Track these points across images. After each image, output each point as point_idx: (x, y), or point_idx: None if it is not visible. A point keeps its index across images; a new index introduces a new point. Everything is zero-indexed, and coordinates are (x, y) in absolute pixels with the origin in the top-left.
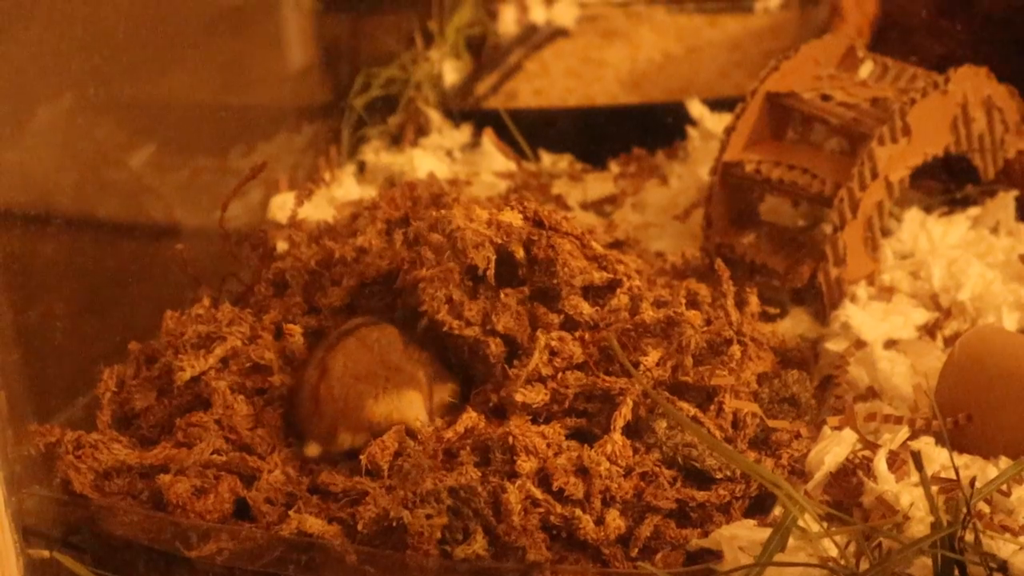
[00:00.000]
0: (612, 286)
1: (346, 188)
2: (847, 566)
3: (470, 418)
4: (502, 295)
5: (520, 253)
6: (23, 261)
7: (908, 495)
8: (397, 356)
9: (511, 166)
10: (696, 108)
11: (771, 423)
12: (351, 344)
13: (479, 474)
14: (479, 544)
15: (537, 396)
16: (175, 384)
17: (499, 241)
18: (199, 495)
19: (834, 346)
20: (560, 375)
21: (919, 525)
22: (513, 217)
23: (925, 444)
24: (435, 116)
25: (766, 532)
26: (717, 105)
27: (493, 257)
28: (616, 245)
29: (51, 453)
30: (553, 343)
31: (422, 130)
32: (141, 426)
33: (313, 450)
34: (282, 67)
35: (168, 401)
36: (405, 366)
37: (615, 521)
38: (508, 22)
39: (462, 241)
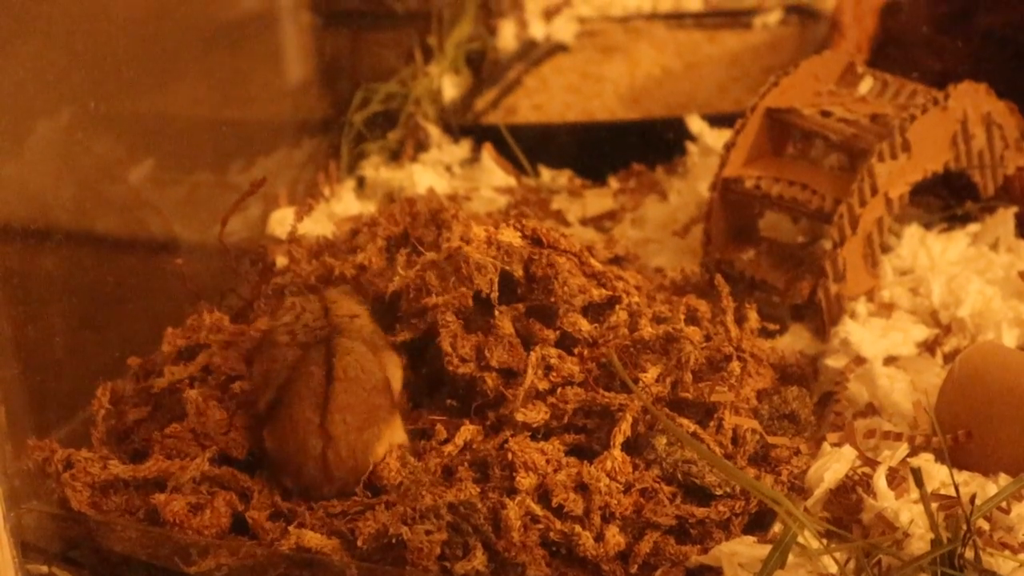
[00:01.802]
0: (611, 303)
1: (345, 203)
2: None
3: (468, 431)
4: (497, 313)
5: (519, 273)
6: (22, 276)
7: (908, 512)
8: (379, 377)
9: (510, 181)
10: (695, 124)
11: (771, 439)
12: (341, 391)
13: (478, 490)
14: (479, 560)
15: (538, 415)
16: (153, 391)
17: (499, 264)
18: (195, 511)
19: (834, 362)
20: (560, 390)
21: (919, 542)
22: (512, 236)
23: (925, 461)
24: (434, 131)
25: (766, 549)
26: (716, 121)
27: (496, 280)
28: (615, 261)
29: (44, 470)
30: (551, 360)
31: (421, 145)
32: (134, 440)
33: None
34: (282, 82)
35: (161, 414)
36: (386, 385)
37: (615, 537)
38: (507, 37)
39: (467, 266)
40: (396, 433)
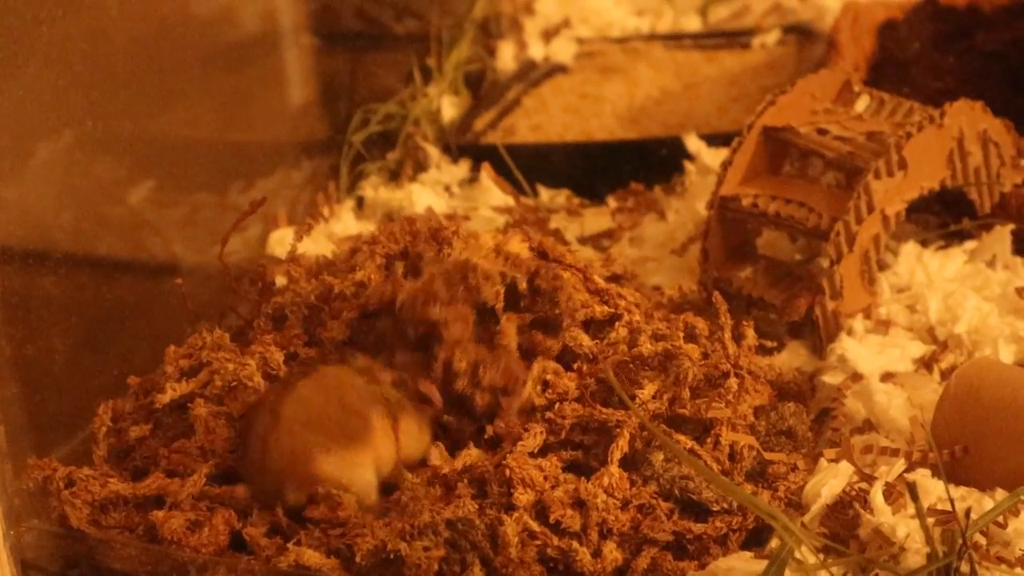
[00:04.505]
0: (612, 320)
1: (345, 223)
2: None
3: (471, 455)
4: (504, 319)
5: (523, 285)
6: (23, 296)
7: (904, 527)
8: (355, 398)
9: (509, 201)
10: (693, 143)
11: (768, 456)
12: (307, 387)
13: (476, 506)
14: None
15: (535, 442)
16: (155, 407)
17: (507, 273)
18: (194, 529)
19: (831, 379)
20: (557, 406)
21: (915, 557)
22: (520, 247)
23: (921, 476)
24: (433, 151)
25: (763, 564)
26: (714, 140)
27: (502, 290)
28: (614, 279)
29: (45, 489)
30: (547, 375)
31: (420, 165)
32: (135, 458)
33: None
34: (281, 103)
35: (162, 432)
36: (362, 409)
37: (612, 553)
38: (506, 58)
39: (474, 276)
40: (350, 468)
